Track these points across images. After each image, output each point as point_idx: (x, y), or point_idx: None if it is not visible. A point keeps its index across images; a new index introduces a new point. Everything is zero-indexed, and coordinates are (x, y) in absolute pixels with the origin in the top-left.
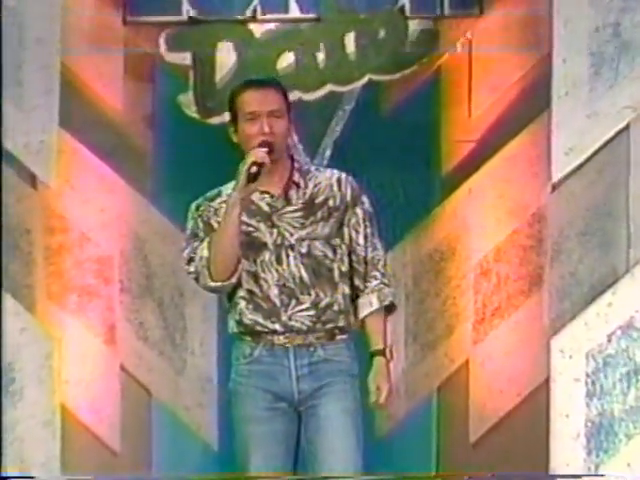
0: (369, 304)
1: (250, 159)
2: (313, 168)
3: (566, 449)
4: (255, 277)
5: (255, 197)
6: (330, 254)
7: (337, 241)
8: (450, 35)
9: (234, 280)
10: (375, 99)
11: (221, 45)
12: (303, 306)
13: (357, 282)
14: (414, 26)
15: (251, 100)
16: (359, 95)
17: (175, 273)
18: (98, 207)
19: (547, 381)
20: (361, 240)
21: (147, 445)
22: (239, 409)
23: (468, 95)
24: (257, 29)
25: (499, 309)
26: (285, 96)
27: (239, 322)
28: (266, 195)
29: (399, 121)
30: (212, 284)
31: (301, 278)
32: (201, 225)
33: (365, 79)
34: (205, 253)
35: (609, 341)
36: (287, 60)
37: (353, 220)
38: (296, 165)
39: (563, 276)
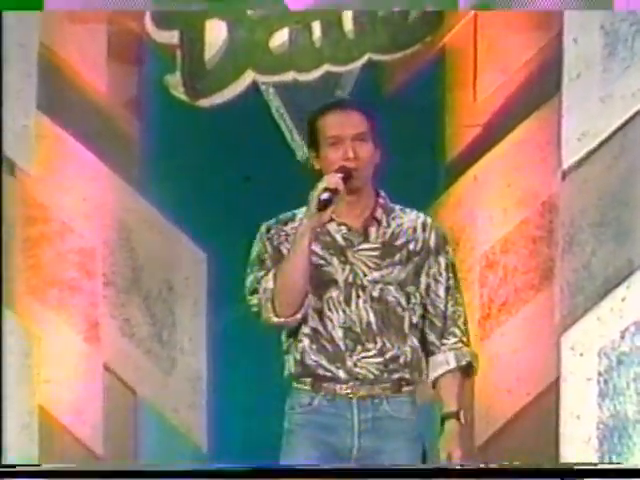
0: (445, 362)
1: (322, 185)
2: (397, 207)
3: (577, 452)
4: (320, 315)
5: (332, 228)
6: (403, 302)
7: (412, 289)
8: (456, 12)
9: (299, 316)
10: (375, 80)
11: (211, 23)
12: (370, 353)
13: (432, 337)
14: None
15: (334, 123)
16: (358, 76)
17: (163, 266)
18: (80, 196)
19: (557, 380)
20: (441, 292)
21: (132, 449)
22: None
23: (474, 76)
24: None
25: (506, 304)
26: (371, 119)
27: (300, 362)
28: (343, 227)
29: (400, 104)
30: (275, 319)
31: (369, 323)
32: (270, 250)
33: (364, 59)
34: (270, 285)
35: (623, 338)
36: (281, 39)
37: (434, 269)
38: (380, 200)
39: (575, 269)
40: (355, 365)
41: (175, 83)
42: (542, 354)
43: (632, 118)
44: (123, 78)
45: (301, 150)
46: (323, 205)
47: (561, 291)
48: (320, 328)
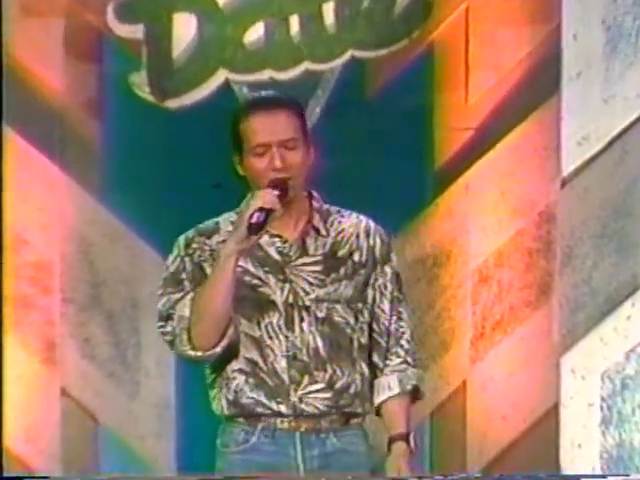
0: (388, 387)
1: (256, 203)
2: (334, 209)
3: None
4: (258, 344)
5: (264, 241)
6: (352, 321)
7: (359, 305)
8: (445, 5)
9: (219, 350)
10: (358, 79)
11: (179, 16)
12: (318, 386)
13: (376, 358)
14: None
15: (258, 129)
16: (340, 74)
17: (126, 281)
18: (36, 205)
19: (556, 406)
20: (386, 306)
21: None
22: None
23: (465, 75)
24: None
25: (501, 323)
26: (302, 119)
27: (234, 402)
28: (277, 239)
29: (386, 105)
30: (191, 353)
31: (316, 349)
32: (189, 267)
33: (347, 56)
34: (186, 312)
35: (628, 360)
36: (256, 34)
37: (380, 280)
38: (315, 205)
39: (575, 284)
40: (300, 401)
41: (140, 82)
42: (540, 377)
43: (637, 120)
44: (82, 77)
45: None
46: (256, 228)
47: (560, 308)
48: (259, 360)
